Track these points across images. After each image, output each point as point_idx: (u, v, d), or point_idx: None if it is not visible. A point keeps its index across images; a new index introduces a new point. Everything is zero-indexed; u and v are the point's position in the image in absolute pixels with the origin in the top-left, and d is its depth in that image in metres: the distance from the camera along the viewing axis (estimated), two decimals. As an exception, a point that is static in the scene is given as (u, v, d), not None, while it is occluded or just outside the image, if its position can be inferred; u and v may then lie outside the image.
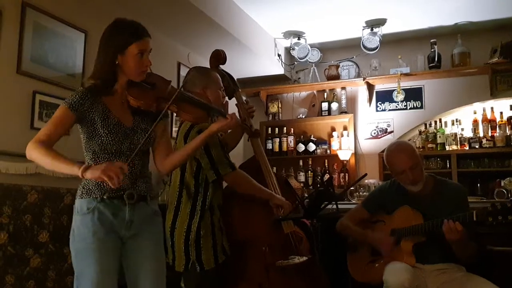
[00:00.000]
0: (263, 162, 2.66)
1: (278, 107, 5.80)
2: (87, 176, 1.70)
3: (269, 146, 5.59)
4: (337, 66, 5.53)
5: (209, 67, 2.73)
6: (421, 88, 5.25)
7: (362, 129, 5.44)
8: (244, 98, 3.14)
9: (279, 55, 5.49)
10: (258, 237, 2.48)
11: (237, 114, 2.55)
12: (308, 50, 5.32)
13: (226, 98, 2.69)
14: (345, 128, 5.40)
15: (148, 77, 1.95)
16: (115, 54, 1.84)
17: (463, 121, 4.98)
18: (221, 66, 2.77)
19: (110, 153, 1.86)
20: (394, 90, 5.22)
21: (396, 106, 5.33)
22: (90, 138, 1.85)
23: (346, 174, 5.21)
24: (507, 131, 4.73)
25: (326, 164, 5.31)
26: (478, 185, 4.79)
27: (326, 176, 5.20)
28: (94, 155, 1.87)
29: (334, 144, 5.37)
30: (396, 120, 5.32)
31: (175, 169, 2.28)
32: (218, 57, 2.75)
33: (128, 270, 1.90)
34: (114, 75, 1.88)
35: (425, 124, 5.13)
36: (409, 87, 5.26)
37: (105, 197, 1.82)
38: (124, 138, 1.88)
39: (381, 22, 4.94)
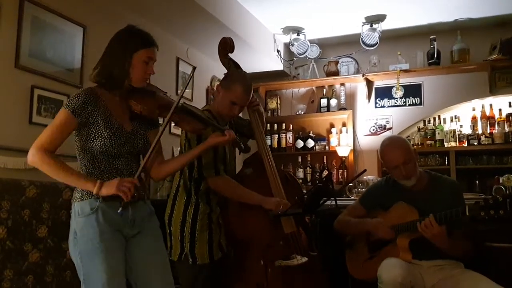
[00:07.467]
0: (265, 154, 2.56)
1: (277, 103, 5.81)
2: (102, 193, 1.79)
3: (268, 142, 5.57)
4: (336, 62, 5.53)
5: (238, 69, 2.69)
6: (420, 84, 5.26)
7: (361, 126, 5.44)
8: None
9: (278, 51, 5.48)
10: (256, 236, 2.43)
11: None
12: (308, 46, 5.31)
13: None
14: (344, 125, 5.40)
15: (147, 85, 2.02)
16: (125, 55, 1.89)
17: (462, 118, 4.99)
18: (230, 55, 2.70)
19: (110, 155, 1.89)
20: (393, 86, 5.22)
21: (395, 103, 5.34)
22: (90, 140, 1.86)
23: (345, 170, 5.22)
24: (506, 128, 4.74)
25: (325, 161, 5.31)
26: (477, 182, 4.81)
27: (325, 173, 5.21)
28: (93, 157, 1.89)
29: (333, 141, 5.38)
30: (395, 116, 5.32)
31: (168, 176, 2.38)
32: (225, 45, 2.69)
33: (135, 267, 1.91)
34: (121, 76, 1.90)
35: (424, 121, 5.14)
36: (408, 83, 5.26)
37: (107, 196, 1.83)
38: (125, 142, 1.92)
39: (380, 18, 4.93)
